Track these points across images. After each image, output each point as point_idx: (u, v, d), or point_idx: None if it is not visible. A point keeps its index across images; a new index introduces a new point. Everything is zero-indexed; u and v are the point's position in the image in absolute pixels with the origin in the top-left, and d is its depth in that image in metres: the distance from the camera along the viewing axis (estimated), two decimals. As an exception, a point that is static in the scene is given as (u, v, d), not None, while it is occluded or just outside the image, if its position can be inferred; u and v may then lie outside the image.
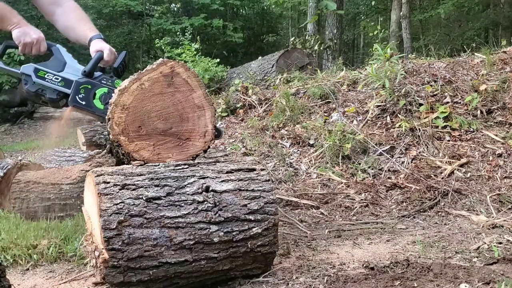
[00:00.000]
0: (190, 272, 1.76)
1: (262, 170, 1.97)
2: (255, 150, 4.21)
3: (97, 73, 2.11)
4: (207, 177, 1.85)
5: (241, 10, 20.23)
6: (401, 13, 11.08)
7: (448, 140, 3.85)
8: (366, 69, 5.27)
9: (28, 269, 2.19)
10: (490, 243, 2.31)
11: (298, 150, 4.14)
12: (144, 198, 1.71)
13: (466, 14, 14.79)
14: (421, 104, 4.14)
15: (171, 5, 18.82)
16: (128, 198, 1.70)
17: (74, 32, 2.32)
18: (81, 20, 2.32)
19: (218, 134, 2.07)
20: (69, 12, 2.31)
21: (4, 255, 2.26)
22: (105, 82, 2.09)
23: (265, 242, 1.86)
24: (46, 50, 2.11)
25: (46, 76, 2.06)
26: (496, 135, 3.81)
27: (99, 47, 2.19)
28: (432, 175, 3.45)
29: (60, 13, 2.31)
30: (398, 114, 4.15)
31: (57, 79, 2.07)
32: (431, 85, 4.32)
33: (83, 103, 1.98)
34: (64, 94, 2.08)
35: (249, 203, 1.84)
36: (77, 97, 2.05)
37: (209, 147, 2.14)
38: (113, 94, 2.05)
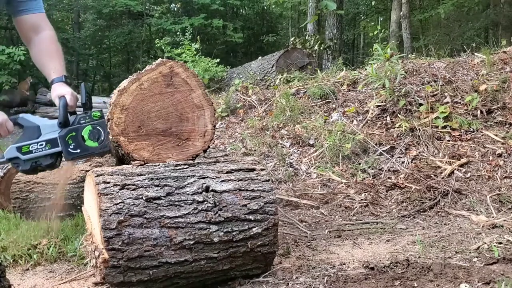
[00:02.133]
0: (190, 272, 1.76)
1: (262, 170, 1.97)
2: (255, 150, 4.20)
3: (71, 118, 2.08)
4: (207, 177, 1.85)
5: (241, 10, 20.24)
6: (401, 13, 11.07)
7: (448, 140, 3.84)
8: (366, 69, 5.27)
9: (28, 269, 2.19)
10: (490, 243, 2.31)
11: (298, 150, 4.14)
12: (144, 198, 1.71)
13: (466, 14, 14.78)
14: (421, 104, 4.13)
15: (171, 5, 18.82)
16: (128, 198, 1.70)
17: (41, 67, 2.28)
18: (50, 57, 2.26)
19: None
20: (42, 44, 2.26)
21: (4, 255, 2.26)
22: (84, 121, 2.06)
23: (265, 242, 1.86)
24: (13, 127, 2.06)
25: (31, 148, 2.02)
26: (496, 135, 3.81)
27: (60, 92, 2.12)
28: (432, 175, 3.45)
29: (35, 43, 2.27)
30: (398, 114, 4.15)
31: (42, 144, 2.03)
32: (431, 85, 4.32)
33: (78, 151, 1.94)
34: (57, 154, 2.05)
35: (249, 203, 1.84)
36: (69, 149, 2.01)
37: (209, 147, 2.14)
38: (98, 128, 2.04)
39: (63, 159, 2.06)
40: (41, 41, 2.26)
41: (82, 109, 2.11)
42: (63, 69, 2.25)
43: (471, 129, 3.90)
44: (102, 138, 2.04)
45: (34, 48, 2.28)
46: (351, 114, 4.45)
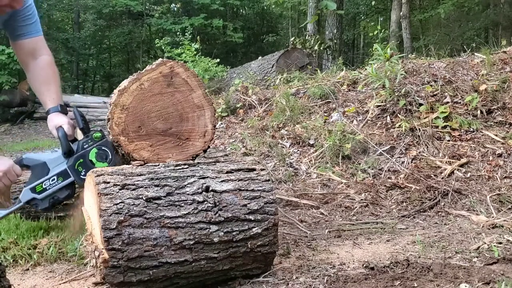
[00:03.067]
0: (190, 272, 1.76)
1: (262, 170, 1.97)
2: (255, 150, 4.20)
3: (73, 145, 2.07)
4: (207, 177, 1.85)
5: (241, 10, 20.27)
6: (401, 13, 11.09)
7: (448, 140, 3.85)
8: (366, 69, 5.27)
9: (28, 269, 2.19)
10: (490, 243, 2.31)
11: (298, 150, 4.14)
12: (144, 198, 1.71)
13: (466, 14, 14.80)
14: (421, 104, 4.14)
15: (171, 5, 18.85)
16: (128, 198, 1.69)
17: (38, 94, 2.28)
18: (46, 85, 2.23)
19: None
20: (38, 70, 2.23)
21: (4, 255, 2.26)
22: (87, 145, 2.06)
23: (265, 242, 1.86)
24: (21, 169, 2.05)
25: (44, 186, 2.02)
26: (496, 135, 3.81)
27: (57, 122, 2.11)
28: (432, 175, 3.45)
29: (32, 68, 2.25)
30: (398, 114, 4.15)
31: (54, 179, 2.03)
32: (431, 85, 4.32)
33: None
34: (71, 183, 2.06)
35: (249, 203, 1.84)
36: (81, 176, 2.02)
37: (209, 147, 2.15)
38: (104, 148, 2.04)
39: (80, 187, 2.07)
40: (37, 67, 2.25)
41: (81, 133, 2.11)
42: (59, 97, 2.24)
43: (471, 129, 3.90)
44: (110, 157, 2.05)
45: (31, 74, 2.27)
46: (351, 114, 4.45)
